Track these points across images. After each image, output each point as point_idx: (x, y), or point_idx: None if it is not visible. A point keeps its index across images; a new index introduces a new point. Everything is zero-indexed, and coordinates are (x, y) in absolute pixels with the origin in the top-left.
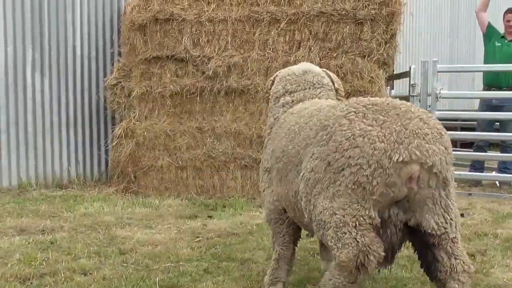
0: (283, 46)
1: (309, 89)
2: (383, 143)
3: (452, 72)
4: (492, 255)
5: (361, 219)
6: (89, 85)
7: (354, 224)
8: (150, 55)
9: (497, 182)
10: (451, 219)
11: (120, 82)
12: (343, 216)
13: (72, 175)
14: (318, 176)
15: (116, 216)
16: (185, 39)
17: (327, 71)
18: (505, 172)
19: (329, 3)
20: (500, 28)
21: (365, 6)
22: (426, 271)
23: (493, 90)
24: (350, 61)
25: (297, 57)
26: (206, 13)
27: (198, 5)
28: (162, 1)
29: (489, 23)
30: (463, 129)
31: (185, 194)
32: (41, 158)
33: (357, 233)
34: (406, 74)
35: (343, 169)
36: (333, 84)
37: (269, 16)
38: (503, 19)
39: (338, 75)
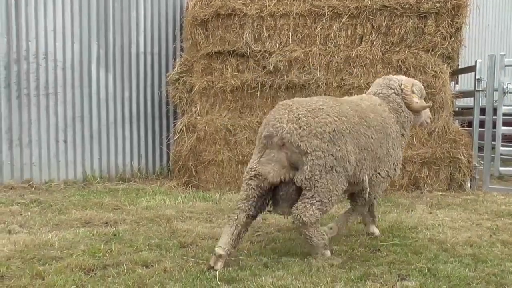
0: (344, 41)
1: None
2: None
3: None
4: None
5: None
6: (152, 80)
7: None
8: (211, 50)
9: None
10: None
11: (182, 77)
12: None
13: (135, 168)
14: None
15: (177, 210)
16: (246, 34)
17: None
18: None
19: None
20: None
21: None
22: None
23: None
24: (413, 56)
25: (359, 52)
26: (268, 8)
27: (259, 0)
28: None
29: None
30: None
31: None
32: (105, 152)
33: None
34: (471, 69)
35: None
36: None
37: (331, 11)
38: None
39: (400, 70)
